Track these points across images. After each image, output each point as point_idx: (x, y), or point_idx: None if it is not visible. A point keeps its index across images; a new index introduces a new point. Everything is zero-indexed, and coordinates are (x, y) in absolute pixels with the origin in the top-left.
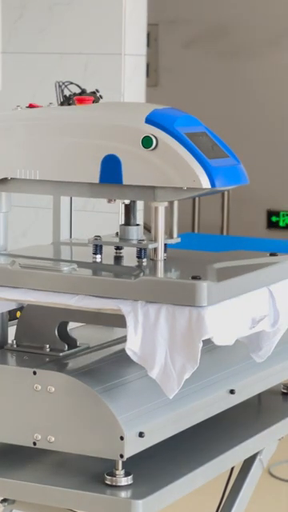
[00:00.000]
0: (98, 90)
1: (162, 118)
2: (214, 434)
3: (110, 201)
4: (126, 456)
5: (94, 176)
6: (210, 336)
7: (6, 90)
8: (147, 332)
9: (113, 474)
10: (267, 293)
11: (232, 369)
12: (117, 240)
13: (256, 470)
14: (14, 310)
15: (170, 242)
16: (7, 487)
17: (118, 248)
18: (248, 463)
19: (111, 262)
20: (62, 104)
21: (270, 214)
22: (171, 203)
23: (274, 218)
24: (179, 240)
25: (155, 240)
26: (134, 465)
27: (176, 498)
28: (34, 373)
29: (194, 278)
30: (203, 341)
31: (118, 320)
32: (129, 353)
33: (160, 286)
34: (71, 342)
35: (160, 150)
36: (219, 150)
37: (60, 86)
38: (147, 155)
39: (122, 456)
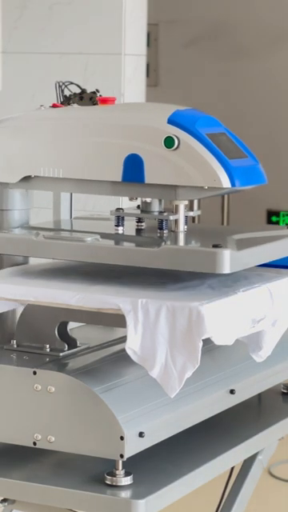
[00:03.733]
0: (98, 90)
1: (184, 119)
2: (214, 433)
3: (131, 199)
4: (126, 456)
5: (117, 174)
6: (209, 335)
7: (6, 90)
8: (147, 331)
9: (113, 474)
10: (267, 292)
11: (232, 369)
12: (138, 212)
13: (256, 470)
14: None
15: (190, 214)
16: (7, 487)
17: (139, 221)
18: (248, 463)
19: (133, 233)
20: (61, 104)
21: (270, 213)
22: (191, 200)
23: (274, 218)
24: (199, 212)
25: (176, 212)
26: (134, 465)
27: (176, 498)
28: (34, 373)
29: (216, 246)
30: (203, 341)
31: (118, 320)
32: (129, 352)
33: (182, 254)
34: (71, 342)
35: (182, 150)
36: (238, 150)
37: (60, 86)
38: (169, 155)
39: (122, 456)
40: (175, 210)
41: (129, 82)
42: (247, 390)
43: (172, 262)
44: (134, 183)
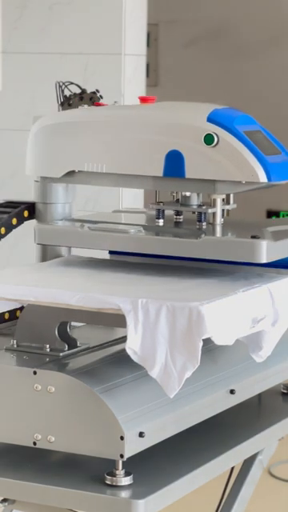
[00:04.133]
0: (98, 90)
1: (223, 117)
2: (214, 433)
3: (171, 193)
4: (126, 456)
5: (158, 170)
6: (209, 335)
7: (6, 90)
8: (147, 331)
9: (113, 474)
10: (267, 292)
11: (232, 369)
12: (178, 206)
13: (256, 470)
14: (14, 310)
15: (226, 207)
16: (7, 487)
17: (177, 214)
18: (248, 463)
19: (172, 226)
20: (62, 104)
21: (270, 214)
22: (227, 194)
23: (273, 218)
24: (235, 206)
25: (214, 206)
26: (134, 465)
27: (176, 498)
28: (35, 373)
29: (253, 237)
30: (203, 341)
31: (118, 320)
32: (129, 352)
33: (222, 245)
34: (71, 342)
35: (221, 147)
36: (273, 146)
37: (60, 86)
38: (209, 151)
39: (122, 456)
40: (213, 204)
41: (129, 81)
42: (247, 389)
43: (213, 252)
44: (174, 178)
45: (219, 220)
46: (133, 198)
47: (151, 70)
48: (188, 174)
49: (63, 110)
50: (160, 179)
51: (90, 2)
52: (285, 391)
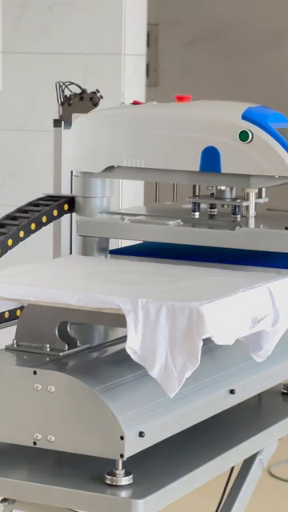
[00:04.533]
0: (98, 90)
1: (257, 115)
2: (214, 433)
3: (207, 187)
4: (127, 456)
5: (195, 165)
6: (210, 335)
7: (6, 89)
8: (147, 331)
9: (113, 474)
10: (267, 292)
11: (232, 369)
12: (212, 200)
13: (256, 470)
14: (14, 309)
15: (259, 201)
16: (7, 487)
17: (211, 207)
18: (248, 463)
19: (207, 218)
20: (62, 104)
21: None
22: (260, 188)
23: None
24: (267, 200)
25: (247, 199)
26: (134, 464)
27: (176, 498)
28: (35, 372)
29: (287, 228)
30: (203, 340)
31: (119, 320)
32: (129, 352)
33: (258, 236)
34: (71, 342)
35: (255, 143)
36: None
37: (60, 86)
38: (243, 147)
39: (122, 456)
40: (246, 198)
41: (129, 81)
42: (247, 389)
43: (249, 243)
44: (210, 173)
45: (252, 213)
46: (133, 197)
47: (151, 70)
48: (223, 169)
49: (63, 110)
50: (196, 174)
51: (90, 2)
52: (285, 391)
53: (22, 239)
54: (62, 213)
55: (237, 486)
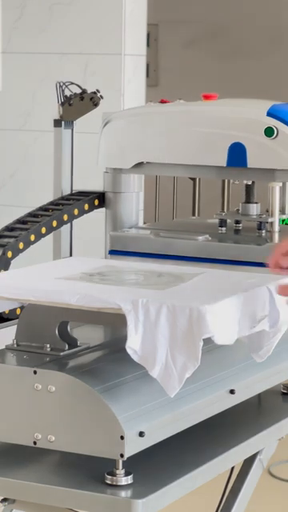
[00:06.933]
0: (98, 91)
1: (281, 112)
2: (214, 433)
3: (234, 181)
4: (127, 455)
5: (222, 160)
6: (210, 335)
7: (6, 89)
8: (148, 331)
9: (113, 474)
10: (267, 292)
11: (232, 369)
12: (239, 216)
13: (256, 470)
14: (14, 309)
15: (283, 217)
16: (7, 487)
17: (237, 222)
18: (248, 463)
19: (233, 233)
20: (62, 104)
21: None
22: (284, 185)
23: None
24: None
25: (271, 215)
26: (134, 464)
27: (176, 498)
28: (35, 372)
29: None
30: (203, 340)
31: (119, 319)
32: (129, 351)
33: None
34: (72, 342)
35: (280, 139)
36: None
37: (61, 86)
38: (269, 143)
39: (122, 455)
40: (271, 214)
41: (129, 81)
42: (247, 389)
43: None
44: (237, 168)
45: (277, 228)
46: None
47: (151, 70)
48: (250, 164)
49: (63, 110)
50: (223, 169)
51: (90, 2)
52: (285, 391)
53: (54, 228)
54: (92, 207)
55: (237, 486)
